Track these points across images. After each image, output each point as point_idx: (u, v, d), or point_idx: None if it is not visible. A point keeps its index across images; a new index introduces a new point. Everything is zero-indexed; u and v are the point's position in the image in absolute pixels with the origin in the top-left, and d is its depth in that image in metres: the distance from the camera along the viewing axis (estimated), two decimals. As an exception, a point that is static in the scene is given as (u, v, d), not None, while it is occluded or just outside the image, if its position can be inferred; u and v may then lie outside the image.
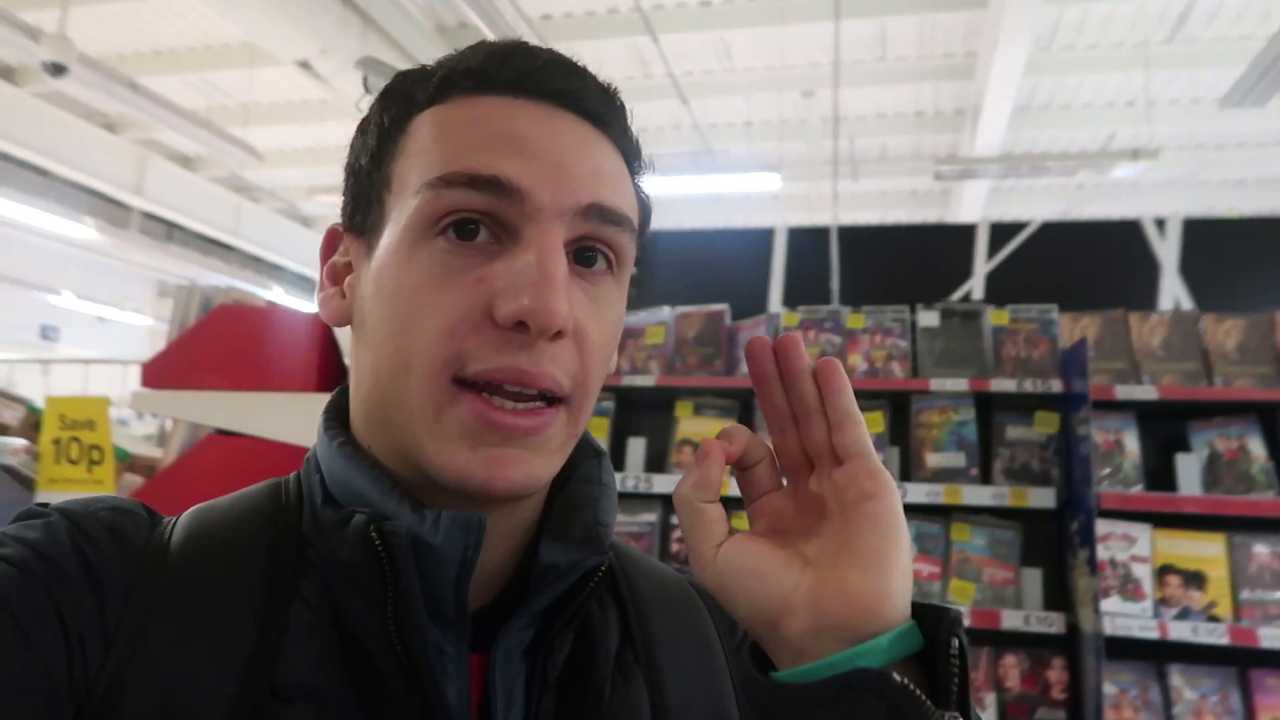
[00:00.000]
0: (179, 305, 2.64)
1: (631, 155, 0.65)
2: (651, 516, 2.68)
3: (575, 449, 0.67)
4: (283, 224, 11.38)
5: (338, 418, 0.66)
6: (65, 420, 2.64)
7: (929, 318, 2.68)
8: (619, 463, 2.74)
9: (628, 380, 2.72)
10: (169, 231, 9.97)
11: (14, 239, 9.74)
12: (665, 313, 2.86)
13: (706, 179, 8.52)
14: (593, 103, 0.62)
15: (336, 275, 0.66)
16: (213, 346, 2.58)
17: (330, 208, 8.97)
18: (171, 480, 2.56)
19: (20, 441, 2.86)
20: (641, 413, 2.82)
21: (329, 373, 2.47)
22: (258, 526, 0.62)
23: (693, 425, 2.72)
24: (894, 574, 0.52)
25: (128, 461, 3.04)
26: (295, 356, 2.50)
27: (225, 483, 2.34)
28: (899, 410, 2.71)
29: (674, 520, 2.69)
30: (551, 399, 0.58)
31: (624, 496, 2.70)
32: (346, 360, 2.43)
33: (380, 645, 0.57)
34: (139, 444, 3.52)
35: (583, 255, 0.60)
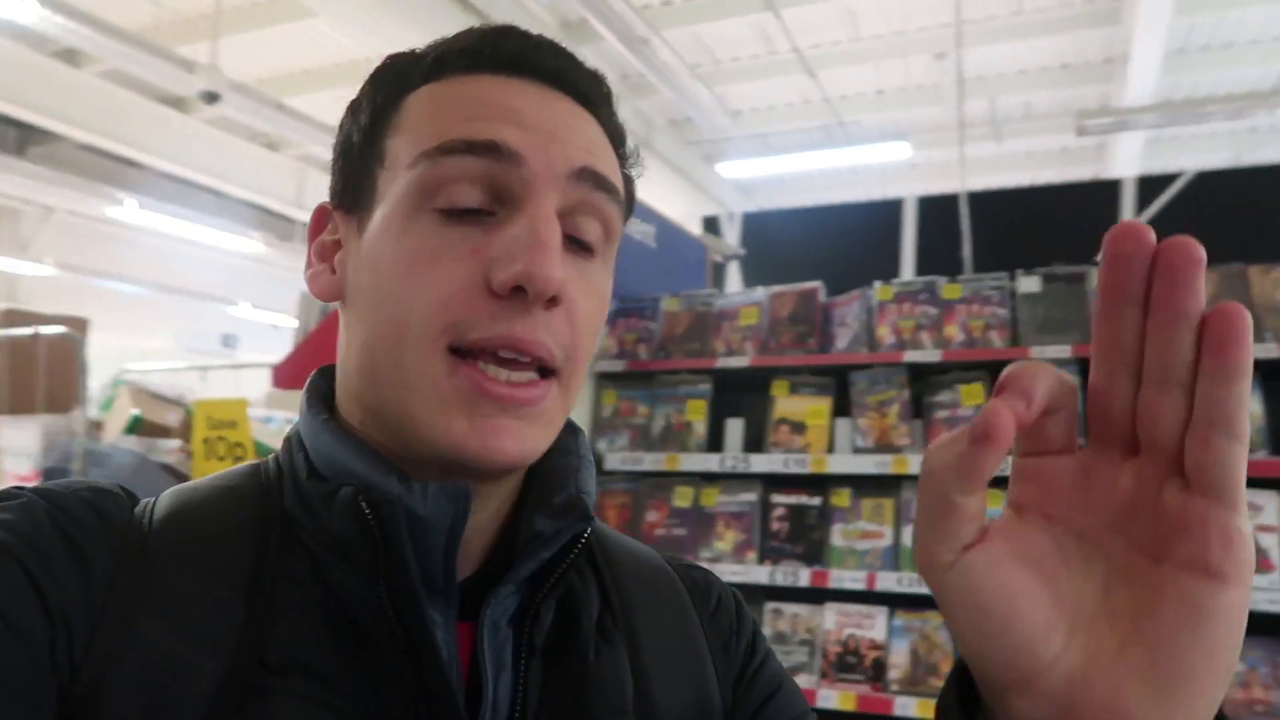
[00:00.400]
0: (302, 313, 2.86)
1: (618, 140, 0.67)
2: (751, 496, 2.70)
3: None
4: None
5: (320, 398, 0.66)
6: (212, 421, 2.90)
7: (1029, 283, 2.59)
8: (717, 444, 2.77)
9: (723, 362, 2.75)
10: (330, 240, 10.62)
11: (195, 256, 10.61)
12: (759, 293, 2.87)
13: (833, 153, 8.38)
14: (584, 83, 0.64)
15: (325, 253, 0.67)
16: (331, 348, 2.77)
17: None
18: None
19: (175, 442, 3.16)
20: (738, 394, 2.84)
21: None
22: (239, 505, 0.62)
23: (789, 404, 2.72)
24: (1202, 713, 0.37)
25: (272, 457, 3.31)
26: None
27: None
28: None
29: (774, 499, 2.71)
30: (544, 370, 0.59)
31: (723, 477, 2.74)
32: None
33: (372, 616, 0.57)
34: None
35: (572, 238, 0.61)
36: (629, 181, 0.68)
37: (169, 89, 7.67)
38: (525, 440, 0.58)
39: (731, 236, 6.62)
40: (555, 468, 0.66)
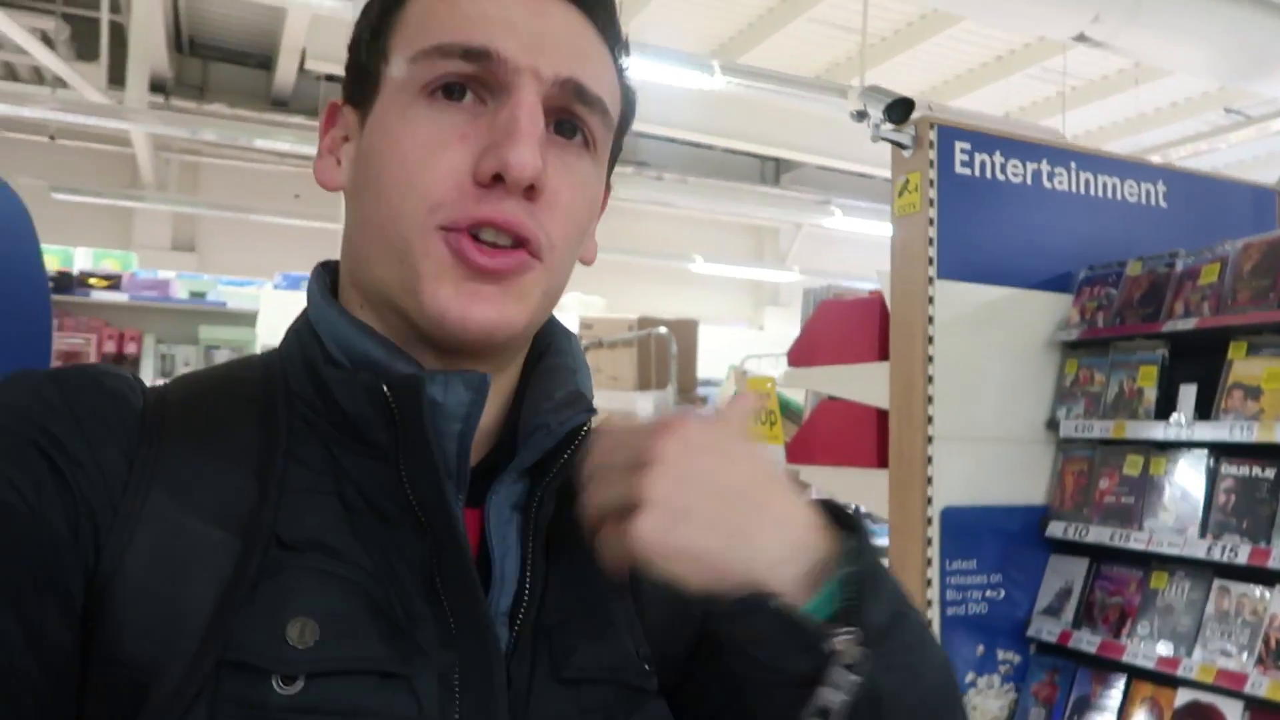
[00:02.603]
0: (805, 303, 3.49)
1: (615, 45, 0.68)
2: (1199, 465, 2.51)
3: (548, 330, 0.71)
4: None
5: (329, 289, 0.67)
6: (754, 392, 3.71)
7: None
8: (1166, 410, 2.63)
9: (1169, 325, 2.59)
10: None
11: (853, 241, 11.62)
12: (1227, 248, 2.60)
13: None
14: None
15: (334, 147, 0.68)
16: (821, 332, 3.35)
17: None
18: (804, 435, 3.42)
19: (733, 409, 4.05)
20: (1195, 358, 2.61)
21: (884, 344, 3.00)
22: (248, 393, 0.63)
23: (1246, 367, 2.44)
24: None
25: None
26: (866, 333, 3.10)
27: (832, 436, 3.40)
28: None
29: (1224, 469, 2.48)
30: (531, 253, 0.61)
31: (1170, 445, 2.59)
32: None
33: (389, 497, 0.59)
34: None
35: (562, 126, 0.63)
36: (628, 91, 0.69)
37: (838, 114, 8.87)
38: (504, 309, 0.60)
39: None
40: (553, 366, 0.68)
